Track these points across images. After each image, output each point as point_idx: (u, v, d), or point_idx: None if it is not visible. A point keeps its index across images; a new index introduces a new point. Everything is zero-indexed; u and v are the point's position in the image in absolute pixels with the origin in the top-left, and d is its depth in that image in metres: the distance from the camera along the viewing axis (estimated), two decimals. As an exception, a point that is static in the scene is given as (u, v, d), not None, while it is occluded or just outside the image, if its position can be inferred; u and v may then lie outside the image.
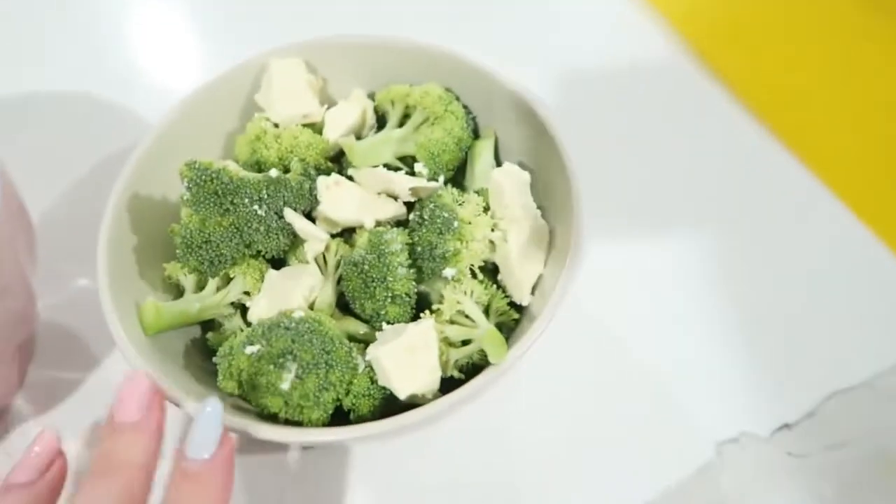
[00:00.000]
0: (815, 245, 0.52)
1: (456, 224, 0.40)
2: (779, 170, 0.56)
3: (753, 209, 0.54)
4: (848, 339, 0.48)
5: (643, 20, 0.65)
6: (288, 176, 0.42)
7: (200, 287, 0.43)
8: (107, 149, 0.59)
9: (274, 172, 0.41)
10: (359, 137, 0.48)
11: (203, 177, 0.38)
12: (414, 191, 0.43)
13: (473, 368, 0.40)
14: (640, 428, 0.45)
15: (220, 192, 0.39)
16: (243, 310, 0.43)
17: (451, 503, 0.43)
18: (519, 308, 0.42)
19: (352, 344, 0.39)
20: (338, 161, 0.47)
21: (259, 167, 0.45)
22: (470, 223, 0.41)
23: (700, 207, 0.55)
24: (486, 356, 0.37)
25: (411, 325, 0.38)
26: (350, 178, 0.45)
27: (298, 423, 0.37)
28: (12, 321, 0.42)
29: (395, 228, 0.41)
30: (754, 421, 0.45)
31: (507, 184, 0.41)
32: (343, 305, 0.43)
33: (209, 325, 0.44)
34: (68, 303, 0.52)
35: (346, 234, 0.44)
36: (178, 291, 0.44)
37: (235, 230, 0.40)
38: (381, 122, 0.49)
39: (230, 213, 0.39)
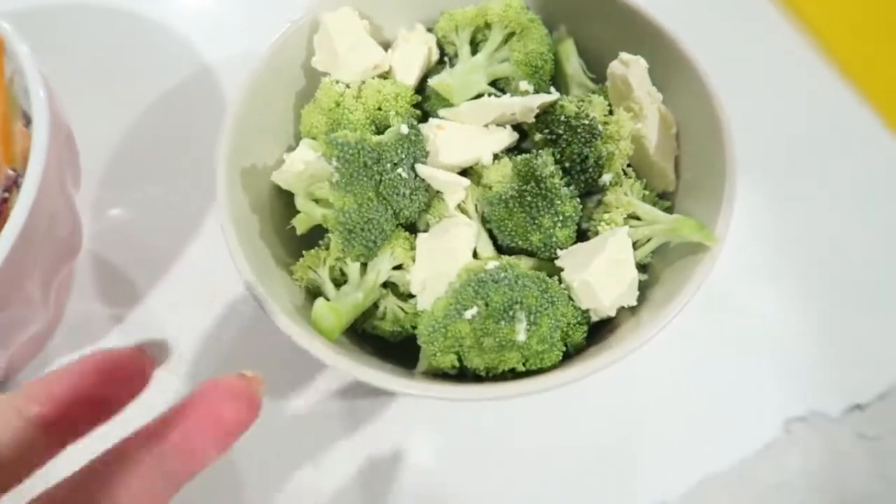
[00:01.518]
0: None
1: (600, 128, 0.38)
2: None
3: (841, 190, 0.52)
4: None
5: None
6: (409, 129, 0.38)
7: (335, 280, 0.39)
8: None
9: (405, 128, 0.37)
10: (427, 77, 0.44)
11: (350, 151, 0.34)
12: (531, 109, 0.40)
13: (646, 270, 0.39)
14: (707, 401, 0.44)
15: (367, 164, 0.35)
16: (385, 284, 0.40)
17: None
18: (662, 196, 0.41)
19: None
20: (419, 106, 0.44)
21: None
22: (608, 124, 0.39)
23: (780, 182, 0.52)
24: (660, 255, 0.37)
25: (604, 238, 0.37)
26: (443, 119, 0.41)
27: (535, 372, 0.35)
28: (61, 249, 0.41)
29: (540, 150, 0.38)
30: (825, 400, 0.44)
31: (630, 75, 0.40)
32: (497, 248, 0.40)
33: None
34: (106, 232, 0.50)
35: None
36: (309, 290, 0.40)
37: (387, 204, 0.36)
38: (442, 57, 0.45)
39: (380, 185, 0.35)
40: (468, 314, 0.34)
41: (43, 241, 0.37)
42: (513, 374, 0.35)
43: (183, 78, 0.57)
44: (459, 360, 0.35)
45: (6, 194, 0.39)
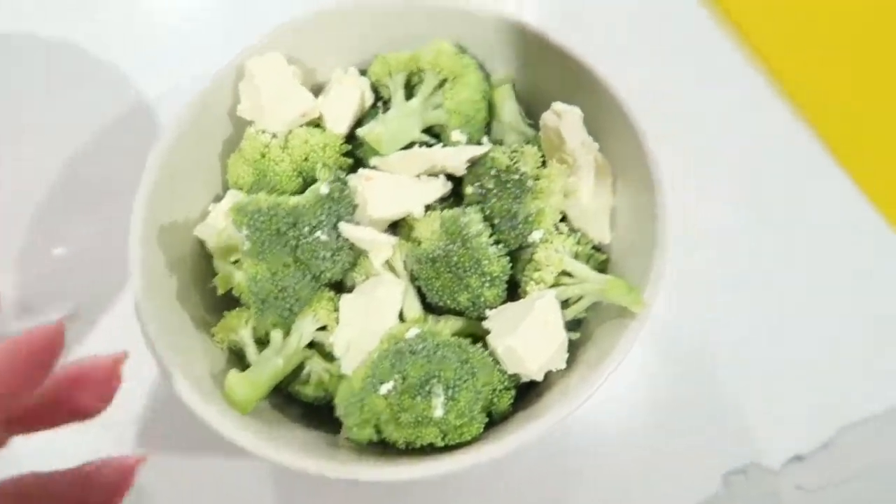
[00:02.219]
0: (838, 272, 0.49)
1: (531, 183, 0.37)
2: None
3: (793, 233, 0.51)
4: (866, 367, 0.46)
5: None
6: (332, 187, 0.36)
7: (259, 339, 0.38)
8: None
9: (325, 188, 0.35)
10: (360, 122, 0.42)
11: (261, 218, 0.33)
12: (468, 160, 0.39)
13: (580, 326, 0.38)
14: (647, 455, 0.43)
15: (280, 231, 0.33)
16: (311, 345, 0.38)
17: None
18: (599, 249, 0.40)
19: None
20: (351, 154, 0.42)
21: (273, 189, 0.39)
22: (540, 178, 0.38)
23: (731, 218, 0.51)
24: (590, 311, 0.36)
25: (531, 301, 0.35)
26: (374, 169, 0.40)
27: (454, 447, 0.34)
28: None
29: (468, 208, 0.37)
30: (765, 452, 0.43)
31: (563, 126, 0.38)
32: (424, 307, 0.39)
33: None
34: (35, 279, 0.48)
35: (390, 230, 0.40)
36: (232, 351, 0.39)
37: (304, 269, 0.35)
38: (376, 100, 0.44)
39: (296, 251, 0.34)
40: (384, 389, 0.32)
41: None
42: (432, 449, 0.33)
43: (117, 115, 0.55)
44: (379, 431, 0.34)
45: None
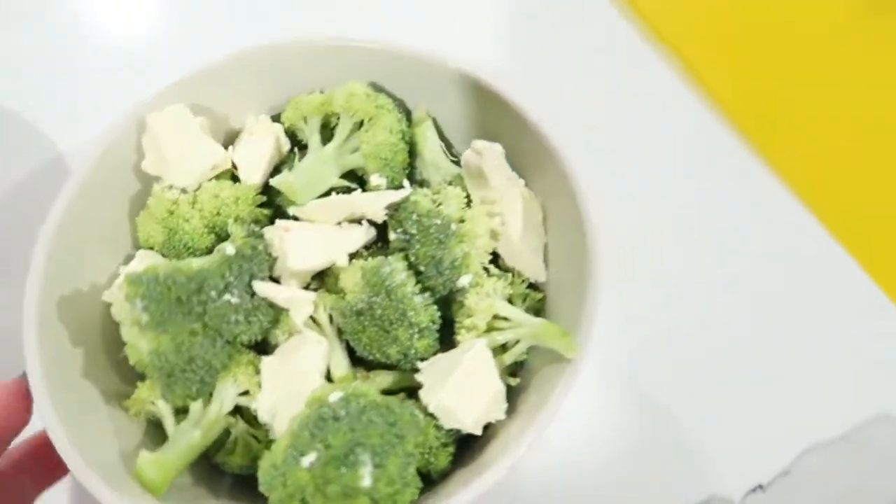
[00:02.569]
0: (791, 294, 0.49)
1: (454, 227, 0.35)
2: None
3: (737, 255, 0.50)
4: (823, 391, 0.45)
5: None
6: (238, 245, 0.34)
7: (179, 409, 0.35)
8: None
9: (230, 248, 0.33)
10: (277, 170, 0.40)
11: (158, 288, 0.30)
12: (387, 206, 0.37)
13: (523, 367, 0.37)
14: (606, 490, 0.42)
15: (183, 298, 0.31)
16: (236, 410, 0.36)
17: None
18: (534, 287, 0.39)
19: (401, 401, 0.33)
20: (269, 204, 0.40)
21: (185, 247, 0.37)
22: (464, 220, 0.36)
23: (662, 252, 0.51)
24: (531, 352, 0.35)
25: (461, 352, 0.34)
26: (295, 219, 0.38)
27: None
28: None
29: (388, 258, 0.35)
30: (725, 483, 0.43)
31: (485, 164, 0.37)
32: (355, 360, 0.37)
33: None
34: None
35: (314, 282, 0.38)
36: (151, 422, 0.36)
37: (214, 336, 0.32)
38: (294, 145, 0.42)
39: (202, 317, 0.32)
40: (306, 461, 0.30)
41: None
42: None
43: (32, 168, 0.52)
44: (306, 505, 0.32)
45: None
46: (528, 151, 0.39)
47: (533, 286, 0.39)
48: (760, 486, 0.42)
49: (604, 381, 0.46)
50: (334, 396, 0.32)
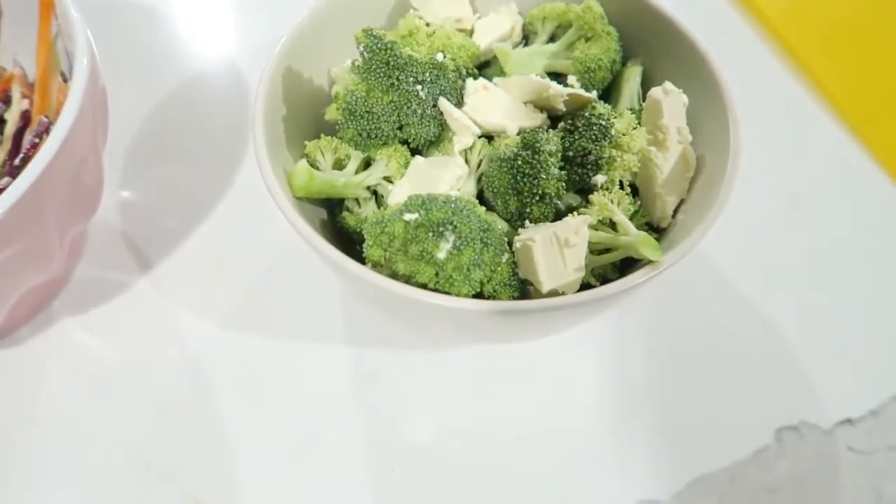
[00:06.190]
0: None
1: (612, 132, 0.40)
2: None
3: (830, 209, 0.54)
4: None
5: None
6: (447, 60, 0.42)
7: (338, 168, 0.43)
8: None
9: (440, 56, 0.41)
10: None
11: (378, 45, 0.38)
12: (567, 102, 0.42)
13: (604, 282, 0.40)
14: (701, 401, 0.45)
15: (390, 64, 0.39)
16: (376, 198, 0.43)
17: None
18: (654, 230, 0.42)
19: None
20: (482, 70, 0.47)
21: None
22: (625, 135, 0.41)
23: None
24: (619, 268, 0.38)
25: (566, 218, 0.38)
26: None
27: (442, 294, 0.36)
28: (82, 200, 0.42)
29: (552, 130, 0.41)
30: (817, 412, 0.45)
31: (665, 103, 0.41)
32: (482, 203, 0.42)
33: (337, 208, 0.44)
34: (120, 207, 0.53)
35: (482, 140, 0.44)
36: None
37: (395, 108, 0.40)
38: (526, 41, 0.49)
39: (394, 88, 0.39)
40: (407, 216, 0.36)
41: (68, 183, 0.38)
42: (424, 290, 0.36)
43: (202, 68, 0.63)
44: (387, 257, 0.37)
45: (37, 139, 0.42)
46: (711, 120, 0.42)
47: (650, 226, 0.42)
48: (850, 420, 0.44)
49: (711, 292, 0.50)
50: (454, 192, 0.38)
